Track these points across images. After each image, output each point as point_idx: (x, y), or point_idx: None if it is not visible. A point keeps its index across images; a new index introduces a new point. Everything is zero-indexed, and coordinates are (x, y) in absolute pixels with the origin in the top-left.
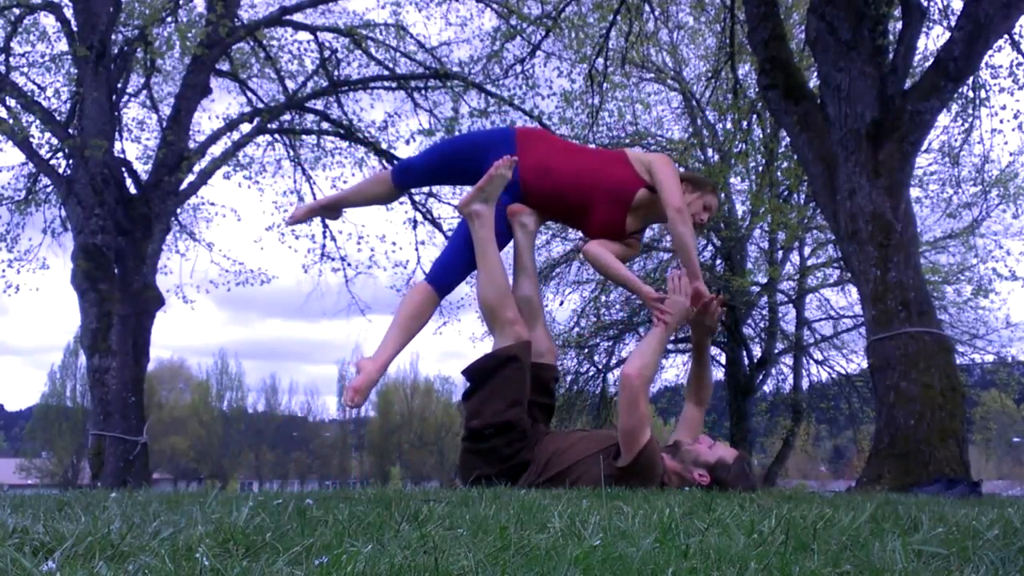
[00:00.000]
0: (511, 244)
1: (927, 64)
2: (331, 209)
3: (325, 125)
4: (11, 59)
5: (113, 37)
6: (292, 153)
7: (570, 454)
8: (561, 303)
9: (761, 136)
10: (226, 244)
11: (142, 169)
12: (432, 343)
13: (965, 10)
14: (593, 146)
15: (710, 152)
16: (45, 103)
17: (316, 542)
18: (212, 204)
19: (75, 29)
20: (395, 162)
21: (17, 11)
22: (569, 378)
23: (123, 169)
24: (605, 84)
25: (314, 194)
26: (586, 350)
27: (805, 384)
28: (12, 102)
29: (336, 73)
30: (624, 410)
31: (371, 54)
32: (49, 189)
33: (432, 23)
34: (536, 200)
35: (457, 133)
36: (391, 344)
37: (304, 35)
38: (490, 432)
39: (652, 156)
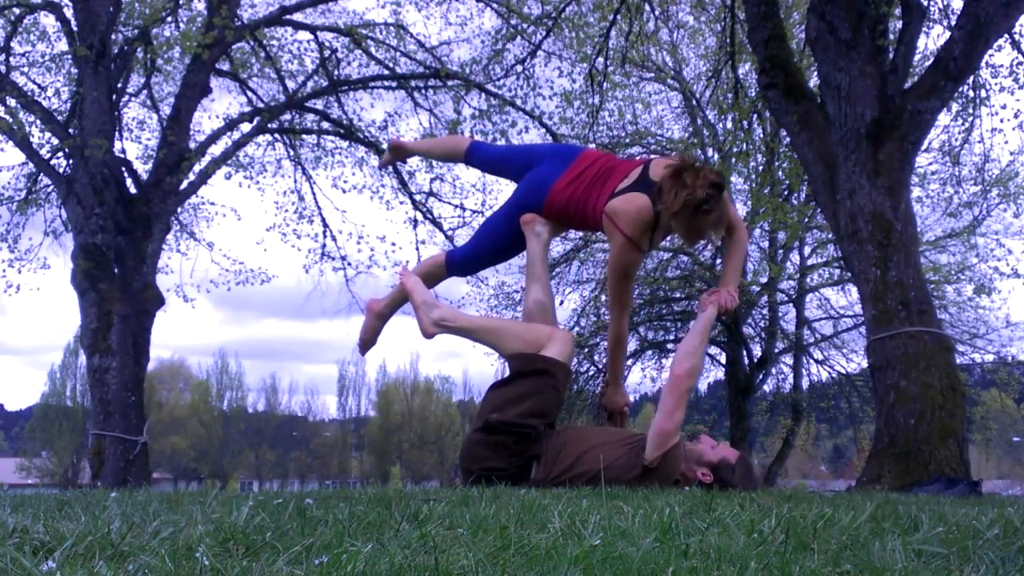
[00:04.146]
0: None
1: (927, 64)
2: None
3: (325, 125)
4: (11, 59)
5: (113, 37)
6: (292, 153)
7: (584, 444)
8: (561, 303)
9: (761, 136)
10: (226, 244)
11: (142, 169)
12: (432, 342)
13: (965, 9)
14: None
15: (710, 152)
16: (45, 103)
17: (316, 542)
18: (212, 204)
19: (75, 29)
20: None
21: (17, 11)
22: None
23: (123, 169)
24: (605, 84)
25: (314, 194)
26: (586, 350)
27: (805, 383)
28: (12, 102)
29: (336, 73)
30: (667, 410)
31: (371, 54)
32: (49, 189)
33: (432, 23)
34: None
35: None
36: (395, 296)
37: (304, 35)
38: (505, 430)
39: (612, 239)
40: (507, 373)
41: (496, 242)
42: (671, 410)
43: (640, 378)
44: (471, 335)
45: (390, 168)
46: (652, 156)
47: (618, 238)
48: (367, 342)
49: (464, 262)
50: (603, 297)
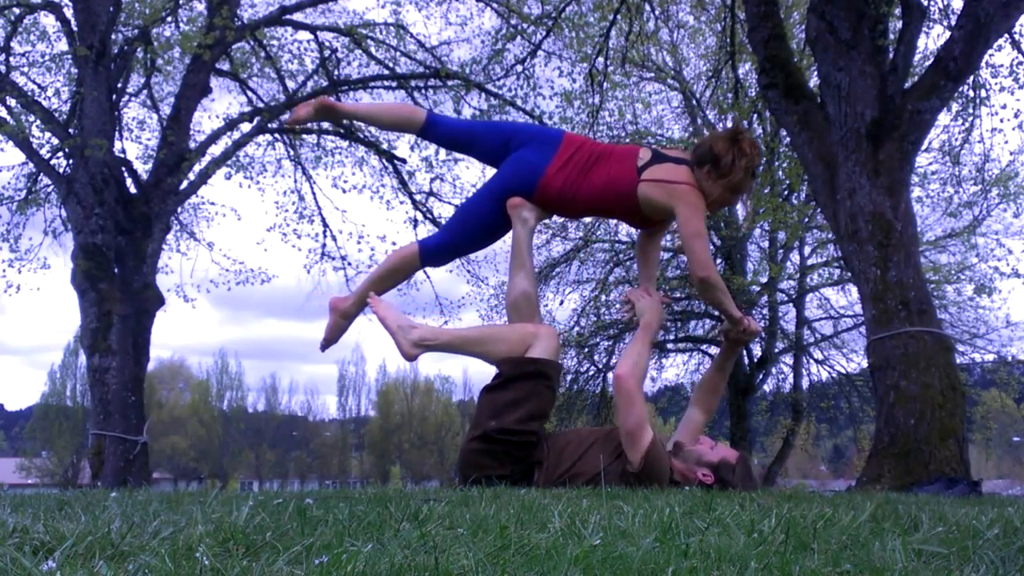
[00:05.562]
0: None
1: (927, 63)
2: None
3: (325, 125)
4: (11, 59)
5: (113, 37)
6: (292, 153)
7: (581, 447)
8: (561, 303)
9: (762, 136)
10: (226, 244)
11: (142, 169)
12: None
13: (965, 9)
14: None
15: None
16: (45, 103)
17: (316, 542)
18: (212, 204)
19: (75, 29)
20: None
21: (17, 11)
22: (569, 377)
23: (123, 169)
24: (605, 83)
25: (314, 194)
26: (586, 349)
27: (805, 383)
28: (12, 102)
29: (336, 72)
30: (622, 410)
31: (371, 53)
32: (49, 189)
33: (432, 22)
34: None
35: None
36: (361, 293)
37: (304, 35)
38: (506, 438)
39: (678, 197)
40: (497, 374)
41: (480, 226)
42: (625, 409)
43: None
44: (454, 349)
45: (390, 165)
46: (653, 145)
47: (679, 188)
48: (329, 340)
49: (441, 250)
50: (602, 297)
